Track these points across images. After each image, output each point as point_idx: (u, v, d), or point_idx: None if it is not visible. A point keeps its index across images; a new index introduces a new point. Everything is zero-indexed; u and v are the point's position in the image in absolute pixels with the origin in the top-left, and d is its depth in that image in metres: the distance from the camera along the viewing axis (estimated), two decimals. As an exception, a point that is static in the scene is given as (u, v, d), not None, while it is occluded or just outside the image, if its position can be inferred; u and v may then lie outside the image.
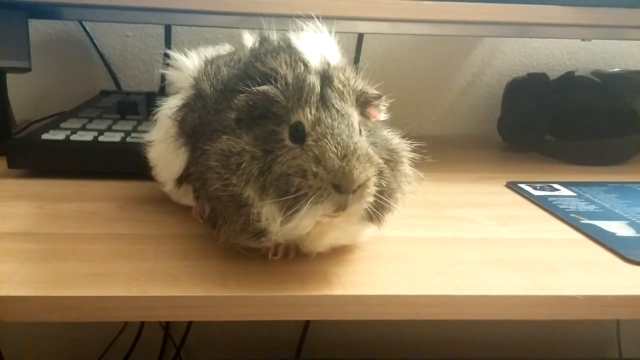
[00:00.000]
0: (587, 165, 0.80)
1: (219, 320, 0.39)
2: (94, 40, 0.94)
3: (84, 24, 0.93)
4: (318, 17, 0.45)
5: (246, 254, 0.42)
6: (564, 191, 0.65)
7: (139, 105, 0.78)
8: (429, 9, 0.68)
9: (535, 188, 0.66)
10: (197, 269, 0.42)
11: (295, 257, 0.43)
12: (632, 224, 0.55)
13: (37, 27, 0.92)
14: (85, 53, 0.96)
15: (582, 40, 0.90)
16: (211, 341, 1.04)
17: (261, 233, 0.40)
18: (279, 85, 0.40)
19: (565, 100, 0.86)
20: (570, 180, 0.70)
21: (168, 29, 0.92)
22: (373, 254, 0.46)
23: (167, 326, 1.00)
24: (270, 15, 0.55)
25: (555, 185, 0.68)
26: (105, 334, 0.99)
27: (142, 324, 0.98)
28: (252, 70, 0.42)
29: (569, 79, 0.88)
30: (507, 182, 0.68)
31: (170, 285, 0.39)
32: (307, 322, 1.01)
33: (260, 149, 0.39)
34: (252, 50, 0.49)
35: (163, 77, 0.86)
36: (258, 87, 0.40)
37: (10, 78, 0.76)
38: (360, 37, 0.95)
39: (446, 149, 0.87)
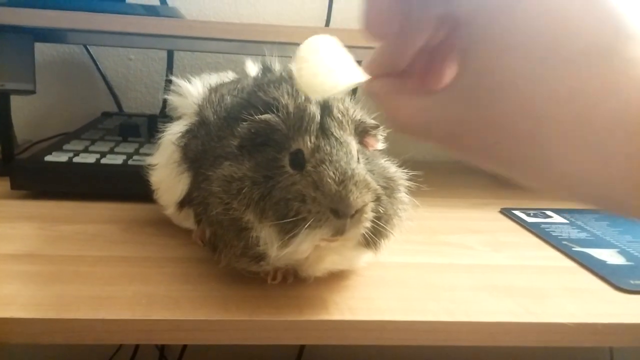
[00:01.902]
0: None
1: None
2: (97, 63, 0.96)
3: (88, 47, 0.95)
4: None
5: (247, 276, 0.43)
6: (557, 218, 0.67)
7: (141, 128, 0.79)
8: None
9: (528, 215, 0.67)
10: (197, 293, 0.42)
11: (293, 282, 0.44)
12: (622, 252, 0.56)
13: (42, 49, 0.94)
14: (87, 75, 0.97)
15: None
16: (206, 363, 1.04)
17: (260, 257, 0.41)
18: (280, 114, 0.41)
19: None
20: (562, 207, 0.71)
21: (170, 54, 0.94)
22: (370, 279, 0.47)
23: (162, 348, 1.00)
24: (271, 43, 0.56)
25: (548, 212, 0.69)
26: (100, 355, 0.99)
27: (137, 345, 0.97)
28: (255, 99, 0.44)
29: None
30: (501, 209, 0.70)
31: (171, 309, 0.40)
32: (302, 346, 1.01)
33: (261, 174, 0.40)
34: (255, 79, 0.50)
35: (165, 102, 0.87)
36: (260, 116, 0.41)
37: (13, 98, 0.77)
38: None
39: (441, 175, 0.88)
